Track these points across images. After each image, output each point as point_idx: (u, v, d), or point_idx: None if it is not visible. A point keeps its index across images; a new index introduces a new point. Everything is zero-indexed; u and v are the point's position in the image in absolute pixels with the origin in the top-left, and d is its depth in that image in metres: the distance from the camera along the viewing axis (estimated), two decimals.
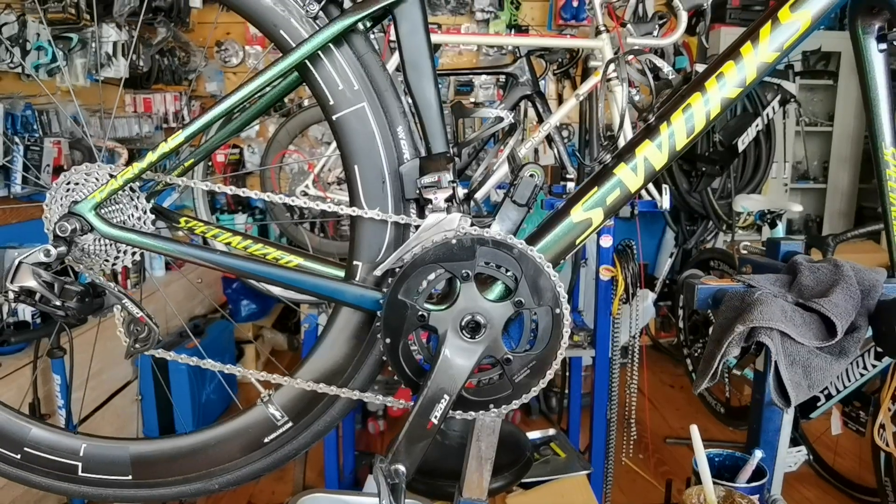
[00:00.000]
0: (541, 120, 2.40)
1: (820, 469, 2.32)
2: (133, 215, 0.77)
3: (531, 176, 0.81)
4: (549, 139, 2.21)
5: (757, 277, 0.83)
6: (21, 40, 2.61)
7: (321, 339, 0.83)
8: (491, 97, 3.88)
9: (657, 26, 2.06)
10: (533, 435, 2.12)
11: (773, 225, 2.27)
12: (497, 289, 0.79)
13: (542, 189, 0.84)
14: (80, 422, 2.36)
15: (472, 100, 3.89)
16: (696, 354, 2.83)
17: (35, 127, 2.73)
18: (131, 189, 0.76)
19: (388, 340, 0.76)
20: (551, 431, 2.18)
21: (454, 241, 0.75)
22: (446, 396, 0.75)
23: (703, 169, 3.39)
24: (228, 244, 0.84)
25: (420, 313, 0.76)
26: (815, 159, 4.42)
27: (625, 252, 1.85)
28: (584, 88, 1.99)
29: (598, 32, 2.03)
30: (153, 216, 0.79)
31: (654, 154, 0.79)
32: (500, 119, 0.75)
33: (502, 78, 3.81)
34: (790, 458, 2.01)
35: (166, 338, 3.03)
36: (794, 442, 2.09)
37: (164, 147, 0.72)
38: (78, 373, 2.28)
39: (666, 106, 0.81)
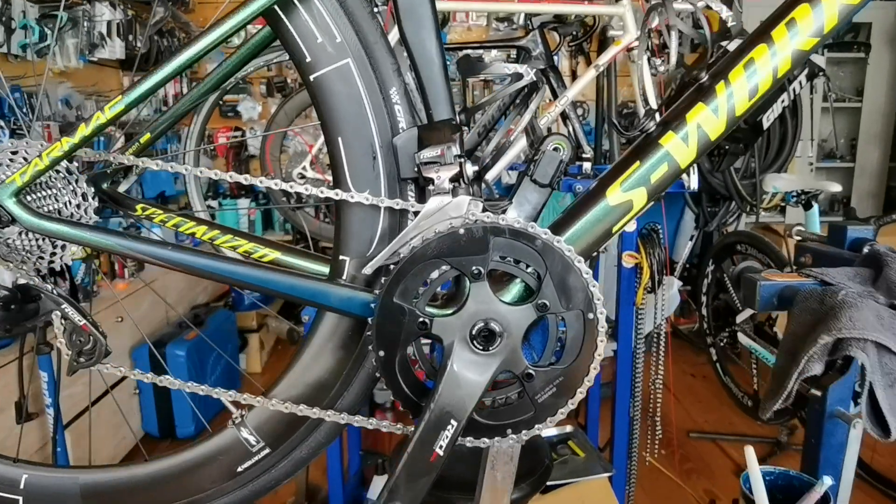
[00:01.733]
0: (555, 96, 2.23)
1: (857, 468, 2.16)
2: (71, 202, 0.63)
3: (555, 150, 0.67)
4: (563, 116, 2.05)
5: (831, 272, 0.68)
6: (5, 18, 2.47)
7: (302, 350, 0.69)
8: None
9: None
10: (549, 432, 1.99)
11: (807, 206, 2.10)
12: (515, 288, 0.65)
13: (567, 165, 0.69)
14: (74, 419, 2.26)
15: (482, 76, 3.71)
16: (721, 344, 2.67)
17: (25, 110, 2.60)
18: (67, 171, 0.62)
19: (381, 353, 0.62)
20: (569, 428, 2.04)
21: (462, 231, 0.60)
22: (454, 422, 0.61)
23: (726, 147, 3.20)
24: (192, 235, 0.70)
25: (421, 320, 0.62)
26: (841, 137, 4.20)
27: (650, 237, 1.69)
28: (605, 58, 1.83)
29: None
30: (98, 203, 0.64)
31: (709, 120, 0.64)
32: (519, 76, 0.61)
33: (514, 53, 3.62)
34: None
35: (167, 328, 2.92)
36: None
37: (100, 118, 0.57)
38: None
39: (723, 61, 0.65)
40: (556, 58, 2.51)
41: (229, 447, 0.70)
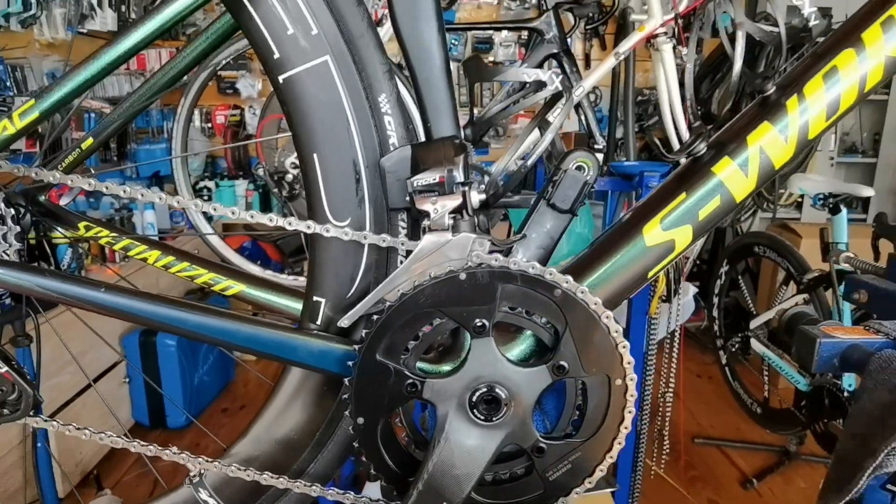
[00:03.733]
0: (568, 81, 2.10)
1: None
2: None
3: (578, 169, 0.55)
4: (576, 106, 1.92)
5: None
6: None
7: (269, 401, 0.58)
8: (512, 56, 3.54)
9: None
10: None
11: (835, 210, 1.97)
12: (525, 343, 0.53)
13: (593, 186, 0.57)
14: (60, 409, 2.17)
15: (492, 59, 3.56)
16: (732, 349, 2.56)
17: (8, 84, 2.48)
18: None
19: (360, 421, 0.51)
20: None
21: (464, 277, 0.48)
22: None
23: None
24: (144, 261, 0.58)
25: (410, 381, 0.50)
26: (865, 130, 4.04)
27: None
28: (626, 46, 1.69)
29: None
30: (23, 226, 0.53)
31: (774, 144, 0.51)
32: (542, 85, 0.50)
33: (525, 35, 3.47)
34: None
35: None
36: None
37: (7, 128, 0.45)
38: (55, 357, 2.08)
39: (795, 70, 0.53)
40: (569, 41, 2.38)
41: None
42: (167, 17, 0.45)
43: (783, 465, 2.38)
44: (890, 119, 3.81)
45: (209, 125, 3.69)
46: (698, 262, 3.53)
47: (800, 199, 3.85)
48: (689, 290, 1.84)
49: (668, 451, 1.91)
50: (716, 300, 2.75)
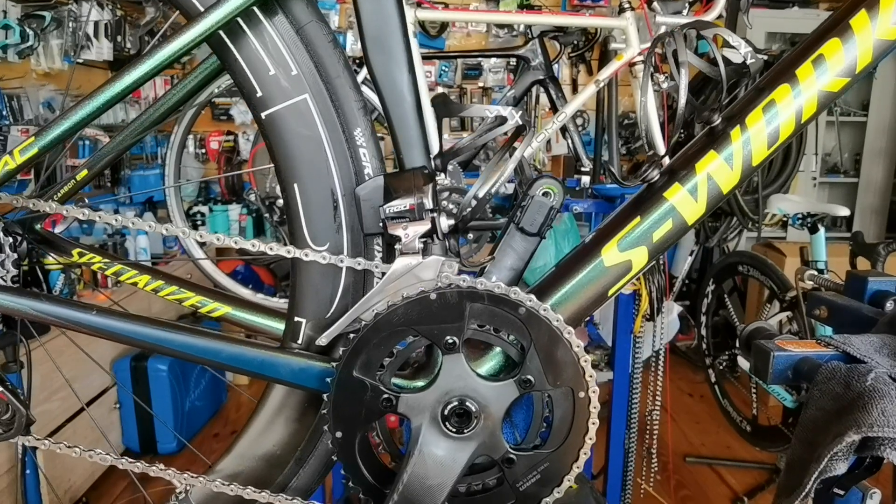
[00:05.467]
0: (554, 108, 2.16)
1: None
2: None
3: (545, 195, 0.58)
4: (563, 129, 1.98)
5: (855, 341, 0.60)
6: None
7: (252, 418, 0.60)
8: (501, 81, 3.63)
9: (687, 4, 1.83)
10: None
11: (813, 230, 2.02)
12: (495, 359, 0.57)
13: (559, 211, 0.61)
14: (49, 435, 2.17)
15: (481, 84, 3.64)
16: (720, 367, 2.59)
17: (4, 113, 2.52)
18: None
19: (339, 434, 0.54)
20: None
21: (434, 297, 0.52)
22: None
23: None
24: (134, 285, 0.61)
25: (385, 396, 0.54)
26: (846, 151, 4.13)
27: None
28: (605, 74, 1.75)
29: (621, 10, 1.79)
30: (20, 254, 0.56)
31: (721, 171, 0.55)
32: (503, 120, 0.54)
33: (513, 61, 3.57)
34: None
35: None
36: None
37: (8, 163, 0.49)
38: (45, 385, 2.09)
39: (738, 102, 0.57)
40: (556, 67, 2.45)
41: None
42: (160, 59, 0.49)
43: (774, 483, 2.39)
44: (869, 140, 3.90)
45: (203, 151, 3.74)
46: (687, 281, 3.58)
47: (785, 219, 3.93)
48: (674, 308, 1.87)
49: (656, 468, 1.93)
50: (703, 319, 2.79)
